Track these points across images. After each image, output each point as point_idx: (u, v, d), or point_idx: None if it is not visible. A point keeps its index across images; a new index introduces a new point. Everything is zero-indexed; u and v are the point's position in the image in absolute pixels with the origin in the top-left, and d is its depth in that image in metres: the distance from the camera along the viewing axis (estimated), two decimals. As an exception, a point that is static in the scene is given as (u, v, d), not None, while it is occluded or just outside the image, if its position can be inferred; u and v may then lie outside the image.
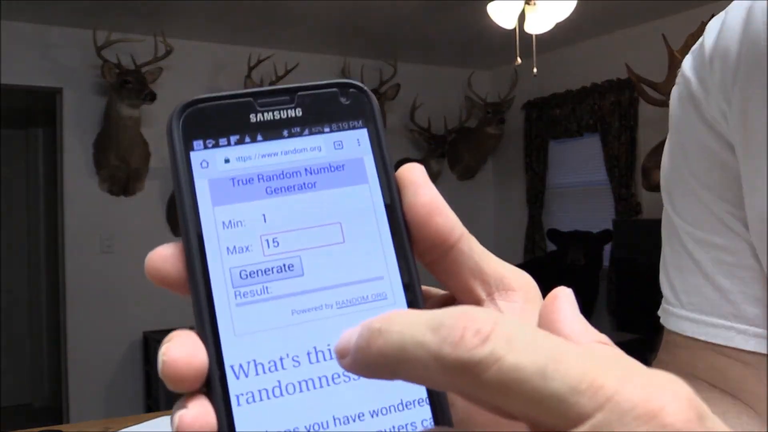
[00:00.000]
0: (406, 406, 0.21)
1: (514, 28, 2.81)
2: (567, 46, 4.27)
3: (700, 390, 0.47)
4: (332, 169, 0.23)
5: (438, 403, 0.21)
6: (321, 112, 0.23)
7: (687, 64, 0.53)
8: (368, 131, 0.23)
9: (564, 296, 0.21)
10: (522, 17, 2.79)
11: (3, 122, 4.58)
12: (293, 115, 0.23)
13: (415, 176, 0.23)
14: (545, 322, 0.21)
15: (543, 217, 4.61)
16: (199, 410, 0.19)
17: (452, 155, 4.74)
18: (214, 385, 0.20)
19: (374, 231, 0.23)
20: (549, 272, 3.83)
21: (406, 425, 0.21)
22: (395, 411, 0.21)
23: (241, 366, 0.20)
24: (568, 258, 3.96)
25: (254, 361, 0.20)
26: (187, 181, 0.21)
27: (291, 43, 4.10)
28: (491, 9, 2.75)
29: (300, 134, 0.23)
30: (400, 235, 0.23)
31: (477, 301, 0.23)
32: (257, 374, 0.20)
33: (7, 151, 4.82)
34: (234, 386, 0.20)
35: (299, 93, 0.23)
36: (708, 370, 0.51)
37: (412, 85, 4.52)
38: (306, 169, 0.23)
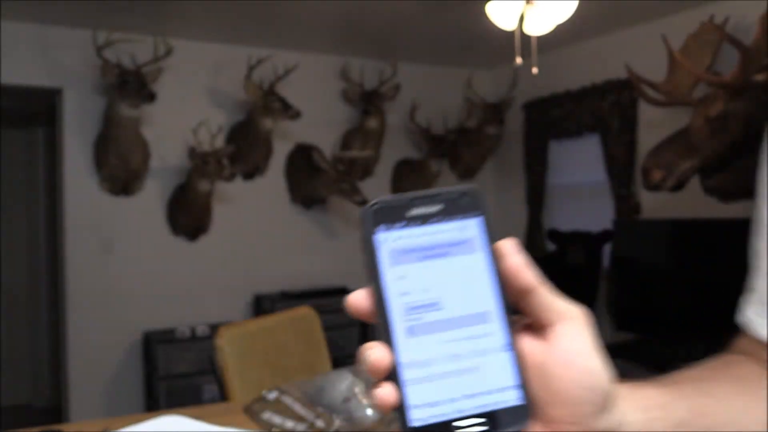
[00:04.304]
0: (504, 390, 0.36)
1: (514, 29, 2.81)
2: (567, 46, 4.27)
3: None
4: (458, 243, 0.36)
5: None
6: (452, 207, 0.37)
7: None
8: (481, 219, 0.37)
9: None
10: (522, 17, 2.79)
11: (3, 122, 4.58)
12: (434, 210, 0.36)
13: (507, 248, 0.36)
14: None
15: (543, 217, 4.60)
16: (389, 389, 0.34)
17: (452, 155, 4.73)
18: (394, 373, 0.34)
19: (486, 282, 0.36)
20: (549, 272, 3.81)
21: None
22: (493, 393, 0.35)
23: (409, 362, 0.35)
24: (568, 258, 3.96)
25: (416, 360, 0.35)
26: (374, 251, 0.35)
27: (291, 43, 4.10)
28: (491, 9, 2.74)
29: (440, 222, 0.36)
30: (499, 286, 0.36)
31: (548, 326, 0.36)
32: (418, 368, 0.35)
33: (7, 151, 4.82)
34: (405, 374, 0.34)
35: (437, 196, 0.37)
36: None
37: (411, 85, 4.52)
38: (442, 244, 0.36)
